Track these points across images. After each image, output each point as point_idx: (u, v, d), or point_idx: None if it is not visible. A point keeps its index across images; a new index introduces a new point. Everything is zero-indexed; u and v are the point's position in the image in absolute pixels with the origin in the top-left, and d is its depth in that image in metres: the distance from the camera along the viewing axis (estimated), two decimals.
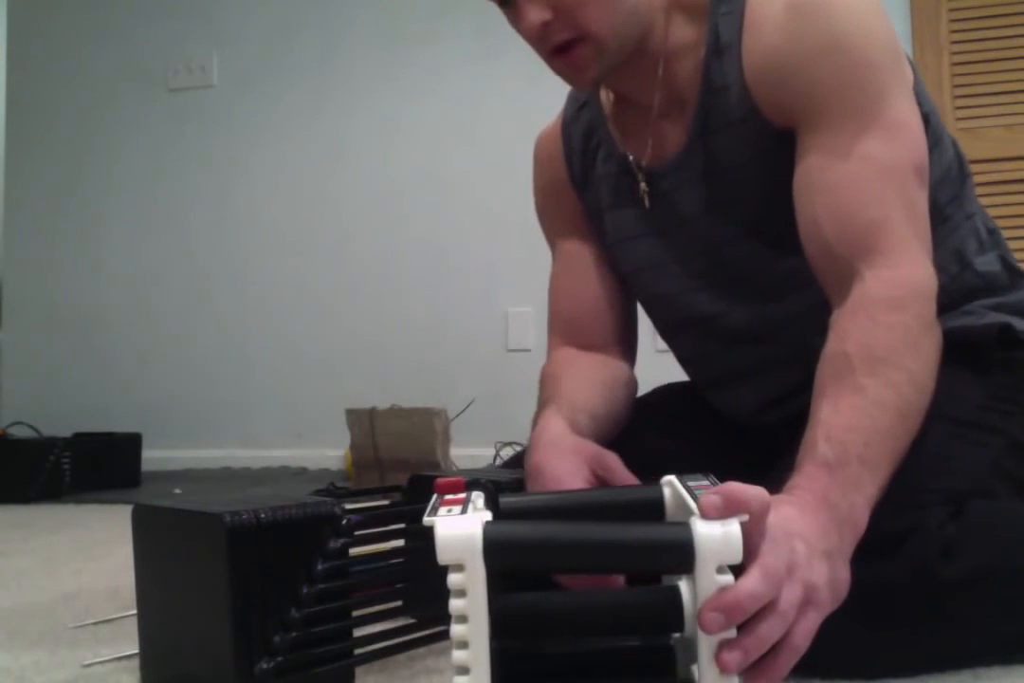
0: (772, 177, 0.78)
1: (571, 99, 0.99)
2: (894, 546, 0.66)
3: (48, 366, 2.82)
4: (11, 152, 2.84)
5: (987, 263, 0.84)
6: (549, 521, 0.57)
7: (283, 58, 2.71)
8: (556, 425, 0.78)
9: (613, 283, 0.96)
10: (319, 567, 0.66)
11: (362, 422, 2.08)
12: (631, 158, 0.88)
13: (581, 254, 0.98)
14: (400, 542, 0.77)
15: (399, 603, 0.76)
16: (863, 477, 0.63)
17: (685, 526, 0.50)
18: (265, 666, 0.62)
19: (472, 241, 2.52)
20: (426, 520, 0.52)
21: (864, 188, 0.72)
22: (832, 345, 0.69)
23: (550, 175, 0.99)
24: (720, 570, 0.49)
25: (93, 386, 2.76)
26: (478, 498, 0.57)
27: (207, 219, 2.75)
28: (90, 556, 1.31)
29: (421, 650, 0.75)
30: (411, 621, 0.75)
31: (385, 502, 0.84)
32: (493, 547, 0.49)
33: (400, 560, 0.77)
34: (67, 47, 2.88)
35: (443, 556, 0.49)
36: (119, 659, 0.78)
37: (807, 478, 0.62)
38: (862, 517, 0.61)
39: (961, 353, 0.76)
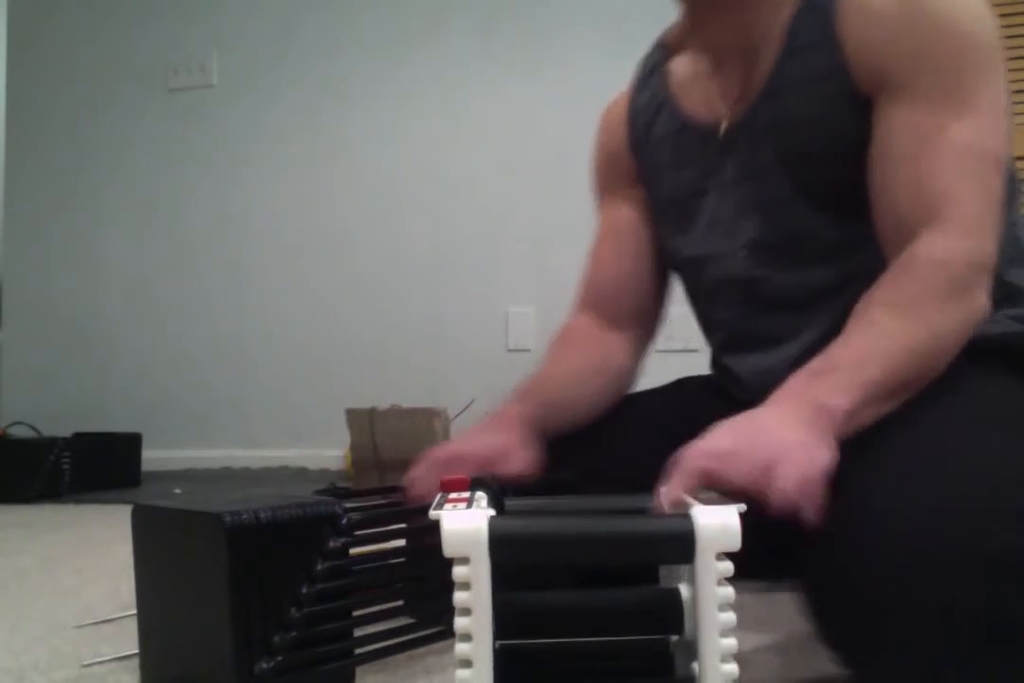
0: (840, 139, 0.78)
1: (640, 66, 0.98)
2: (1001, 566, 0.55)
3: (48, 366, 2.82)
4: (11, 152, 2.84)
5: (1019, 276, 0.83)
6: (553, 516, 0.58)
7: (283, 58, 2.71)
8: (510, 409, 0.85)
9: (653, 260, 0.97)
10: (319, 567, 0.66)
11: (362, 422, 2.08)
12: (694, 116, 0.88)
13: (628, 225, 0.98)
14: (400, 542, 0.77)
15: (399, 603, 0.76)
16: (849, 384, 0.64)
17: (686, 517, 0.51)
18: (265, 666, 0.62)
19: (472, 241, 2.52)
20: (432, 514, 0.53)
21: (946, 162, 0.72)
22: (864, 295, 0.71)
23: (612, 140, 0.99)
24: (719, 558, 0.50)
25: (93, 386, 2.76)
26: (482, 497, 0.57)
27: (207, 219, 2.75)
28: (90, 556, 1.31)
29: (421, 650, 0.75)
30: (411, 621, 0.75)
31: (385, 502, 0.84)
32: (498, 540, 0.50)
33: (400, 560, 0.77)
34: (67, 47, 2.88)
35: (449, 549, 0.50)
36: (119, 659, 0.78)
37: (784, 385, 0.65)
38: (839, 412, 0.62)
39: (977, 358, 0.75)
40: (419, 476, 0.77)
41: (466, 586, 0.50)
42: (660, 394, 0.99)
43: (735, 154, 0.85)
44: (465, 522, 0.51)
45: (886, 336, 0.67)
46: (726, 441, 0.60)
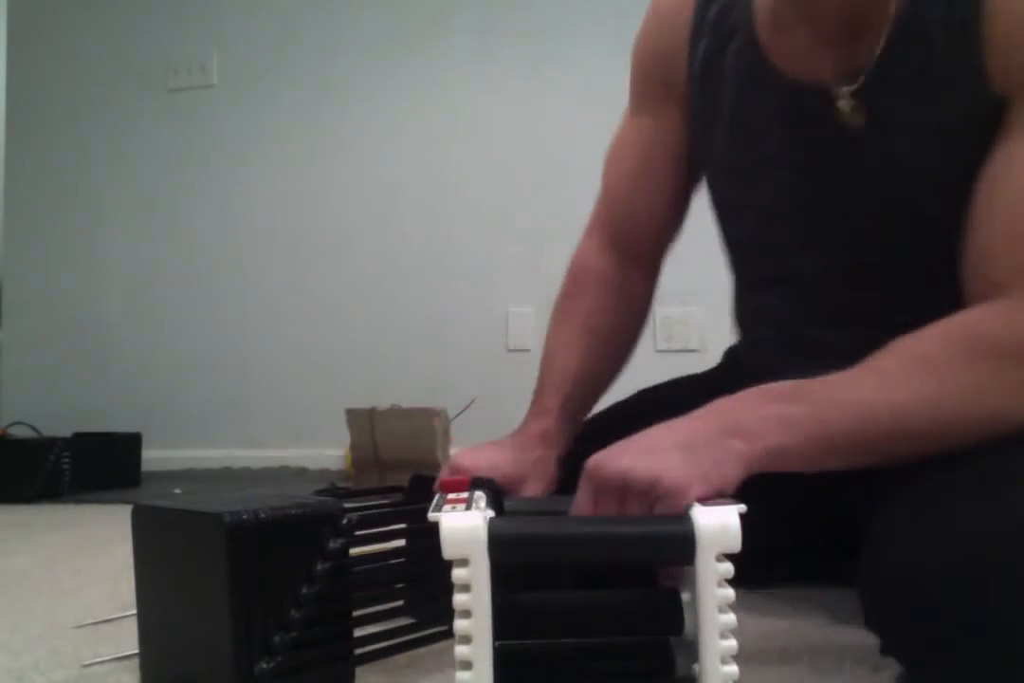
0: (948, 156, 0.67)
1: None
2: None
3: (48, 366, 2.82)
4: (11, 152, 2.84)
5: None
6: (552, 517, 0.58)
7: (283, 58, 2.71)
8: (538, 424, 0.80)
9: (681, 189, 0.88)
10: (319, 567, 0.66)
11: (362, 422, 2.08)
12: (789, 73, 0.75)
13: (662, 143, 0.87)
14: (401, 542, 0.77)
15: (399, 603, 0.76)
16: (800, 426, 0.56)
17: (686, 517, 0.51)
18: (265, 666, 0.62)
19: (472, 241, 2.52)
20: (431, 515, 0.52)
21: None
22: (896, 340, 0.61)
23: (667, 32, 0.85)
24: (719, 559, 0.50)
25: (93, 386, 2.75)
26: (481, 498, 0.57)
27: (207, 219, 2.75)
28: (90, 556, 1.31)
29: (421, 650, 0.75)
30: (411, 621, 0.75)
31: (385, 502, 0.84)
32: (498, 541, 0.50)
33: (401, 560, 0.77)
34: (67, 47, 2.88)
35: (448, 550, 0.50)
36: (119, 659, 0.78)
37: (737, 395, 0.59)
38: (763, 446, 0.55)
39: None
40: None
41: (466, 588, 0.49)
42: (682, 389, 0.93)
43: (820, 130, 0.73)
44: (464, 523, 0.50)
45: (882, 387, 0.58)
46: (616, 457, 0.56)
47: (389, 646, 0.72)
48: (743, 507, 0.51)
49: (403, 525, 0.76)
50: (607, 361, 0.89)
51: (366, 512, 0.72)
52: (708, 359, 1.00)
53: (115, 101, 2.84)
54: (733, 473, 0.55)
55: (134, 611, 0.72)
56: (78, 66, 2.87)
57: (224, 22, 2.77)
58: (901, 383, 0.58)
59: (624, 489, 0.55)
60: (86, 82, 2.87)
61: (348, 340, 2.60)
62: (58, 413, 2.59)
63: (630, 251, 0.91)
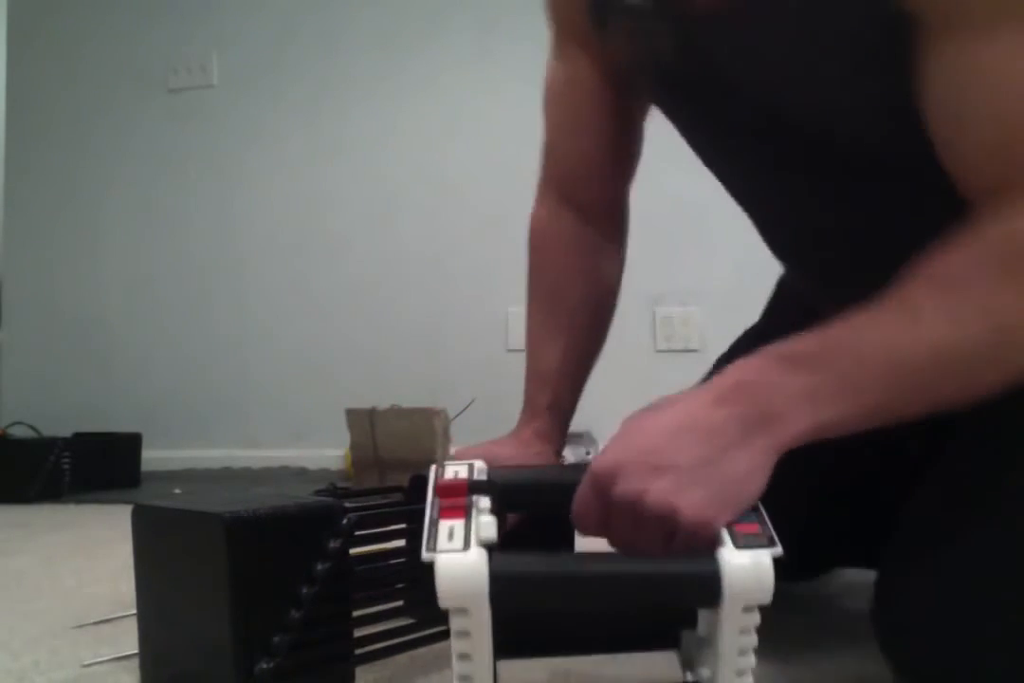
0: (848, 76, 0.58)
1: None
2: None
3: (48, 366, 2.82)
4: (11, 152, 2.84)
5: None
6: (560, 555, 0.52)
7: (283, 58, 2.71)
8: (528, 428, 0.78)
9: (623, 124, 0.80)
10: (319, 567, 0.66)
11: (362, 422, 2.08)
12: None
13: (586, 84, 0.80)
14: (400, 542, 0.77)
15: (399, 603, 0.76)
16: (830, 395, 0.49)
17: (710, 558, 0.46)
18: (265, 666, 0.62)
19: (472, 241, 2.52)
20: (425, 556, 0.47)
21: None
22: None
23: None
24: (747, 609, 0.45)
25: (93, 386, 2.75)
26: (484, 506, 0.51)
27: (207, 219, 2.75)
28: (90, 556, 1.31)
29: (421, 650, 0.75)
30: (411, 621, 0.75)
31: (385, 502, 0.84)
32: (501, 590, 0.45)
33: (401, 560, 0.77)
34: (67, 47, 2.88)
35: (445, 601, 0.45)
36: (119, 659, 0.78)
37: (741, 363, 0.51)
38: (791, 434, 0.49)
39: None
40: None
41: (465, 635, 0.46)
42: None
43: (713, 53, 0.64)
44: (463, 569, 0.45)
45: (915, 322, 0.49)
46: (627, 472, 0.49)
47: (389, 646, 0.72)
48: (779, 550, 0.46)
49: (403, 525, 0.76)
50: (590, 339, 0.84)
51: (366, 512, 0.72)
52: (708, 359, 0.99)
53: (115, 101, 2.84)
54: (760, 484, 0.49)
55: (134, 611, 0.72)
56: (78, 66, 2.87)
57: (224, 22, 2.77)
58: (937, 314, 0.49)
59: (638, 513, 0.48)
60: (86, 82, 2.86)
61: (348, 340, 2.59)
62: (58, 413, 2.59)
63: (585, 206, 0.84)
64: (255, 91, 2.73)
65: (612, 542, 0.51)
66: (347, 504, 0.71)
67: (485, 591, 0.45)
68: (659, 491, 0.47)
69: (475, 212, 2.53)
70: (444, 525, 0.48)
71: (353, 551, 0.69)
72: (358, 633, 0.70)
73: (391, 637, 0.73)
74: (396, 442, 2.04)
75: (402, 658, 0.74)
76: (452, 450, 2.01)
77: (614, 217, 0.87)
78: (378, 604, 0.74)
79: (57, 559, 1.30)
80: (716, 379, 0.52)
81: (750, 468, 0.49)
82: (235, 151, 2.73)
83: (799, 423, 0.49)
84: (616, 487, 0.49)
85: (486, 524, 0.48)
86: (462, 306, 2.52)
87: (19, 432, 2.38)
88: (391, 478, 2.00)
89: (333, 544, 0.67)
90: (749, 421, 0.49)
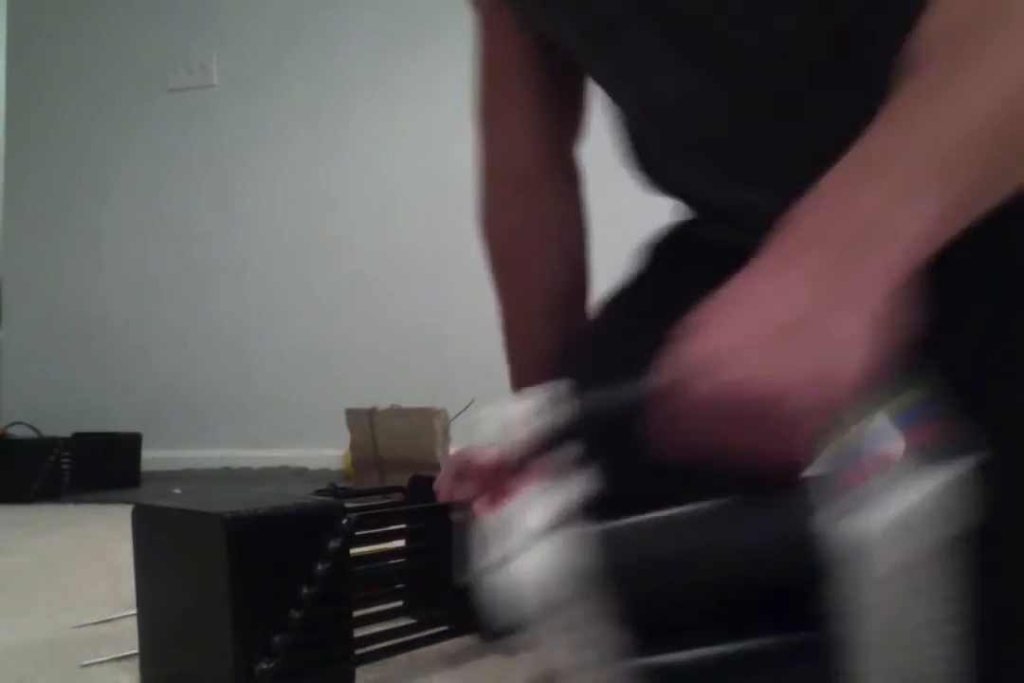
0: None
1: None
2: None
3: (48, 366, 2.82)
4: (11, 152, 2.84)
5: None
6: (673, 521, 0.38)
7: (283, 58, 2.71)
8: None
9: (553, 75, 0.71)
10: (319, 567, 0.66)
11: (362, 422, 2.08)
12: None
13: (507, 47, 0.71)
14: (400, 542, 0.77)
15: (399, 603, 0.76)
16: (937, 173, 0.38)
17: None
18: (265, 666, 0.62)
19: (472, 241, 2.49)
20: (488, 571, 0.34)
21: None
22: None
23: None
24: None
25: (93, 386, 2.75)
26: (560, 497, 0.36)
27: (207, 219, 2.75)
28: (90, 556, 1.31)
29: (421, 650, 0.75)
30: (411, 621, 0.75)
31: (385, 502, 0.84)
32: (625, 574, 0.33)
33: (401, 560, 0.77)
34: (67, 47, 2.88)
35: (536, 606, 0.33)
36: (119, 659, 0.78)
37: (813, 196, 0.40)
38: (913, 238, 0.37)
39: None
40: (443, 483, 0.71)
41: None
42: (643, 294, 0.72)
43: None
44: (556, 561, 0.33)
45: (981, 72, 0.39)
46: (725, 359, 0.36)
47: (389, 646, 0.72)
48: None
49: (403, 525, 0.76)
50: (572, 304, 0.79)
51: (366, 512, 0.72)
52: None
53: (116, 101, 2.84)
54: (889, 338, 0.36)
55: (134, 611, 0.72)
56: (78, 66, 2.87)
57: (224, 22, 2.77)
58: (984, 54, 0.40)
59: (727, 412, 0.36)
60: (87, 82, 2.87)
61: (348, 340, 2.59)
62: (58, 413, 2.59)
63: (525, 174, 0.78)
64: (255, 91, 2.73)
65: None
66: (347, 504, 0.71)
67: (597, 579, 0.34)
68: (765, 375, 0.35)
69: (475, 212, 2.53)
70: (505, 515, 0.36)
71: (353, 551, 0.70)
72: (358, 633, 0.70)
73: (391, 637, 0.73)
74: (396, 442, 2.04)
75: (402, 658, 0.74)
76: (452, 450, 2.01)
77: (556, 177, 0.78)
78: (378, 604, 0.74)
79: (57, 559, 1.30)
80: (796, 228, 0.39)
81: (858, 320, 0.36)
82: (235, 151, 2.73)
83: (904, 239, 0.37)
84: (707, 379, 0.36)
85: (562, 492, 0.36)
86: (462, 306, 2.51)
87: (19, 432, 2.38)
88: (391, 478, 2.00)
89: (333, 544, 0.67)
90: (842, 261, 0.37)
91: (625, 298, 0.73)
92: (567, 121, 0.77)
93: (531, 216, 0.80)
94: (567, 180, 0.79)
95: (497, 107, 0.76)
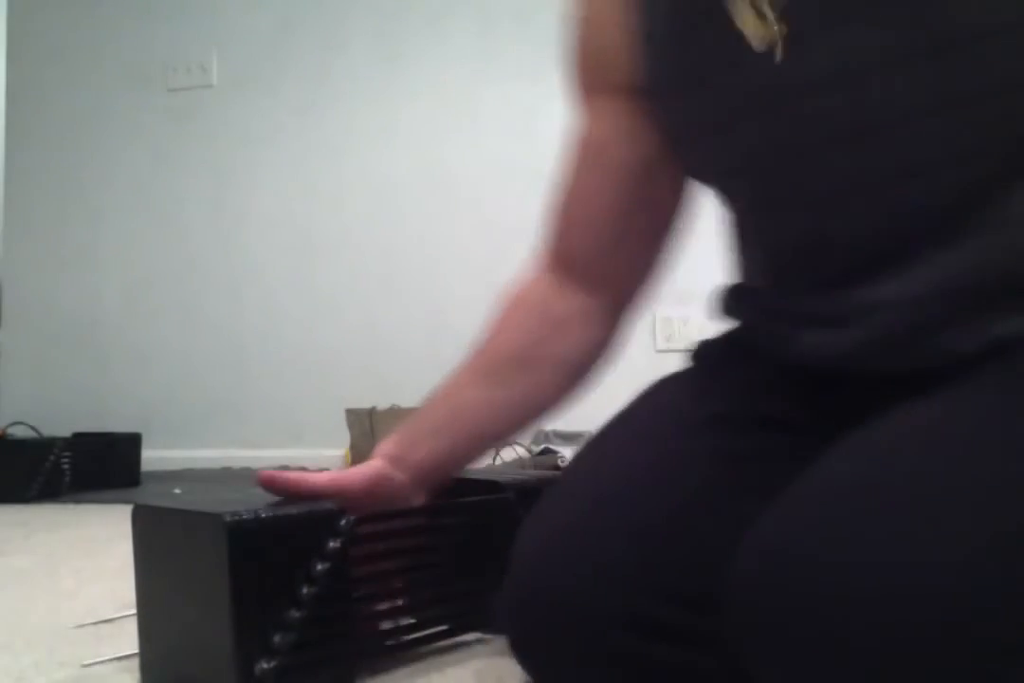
0: None
1: None
2: None
3: (48, 366, 2.82)
4: (10, 152, 2.84)
5: None
6: None
7: (283, 58, 2.71)
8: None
9: (656, 194, 0.68)
10: (319, 567, 0.66)
11: (362, 422, 2.08)
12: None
13: (619, 142, 0.66)
14: (400, 542, 0.77)
15: (399, 603, 0.76)
16: None
17: None
18: (265, 666, 0.62)
19: (472, 240, 2.52)
20: None
21: None
22: None
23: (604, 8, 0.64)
24: None
25: (93, 386, 2.75)
26: None
27: (206, 219, 2.75)
28: (90, 556, 1.31)
29: (421, 650, 0.75)
30: (412, 621, 0.75)
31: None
32: None
33: (400, 560, 0.77)
34: (66, 46, 2.88)
35: None
36: (119, 659, 0.78)
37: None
38: None
39: None
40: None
41: None
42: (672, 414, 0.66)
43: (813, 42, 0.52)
44: None
45: None
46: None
47: (389, 646, 0.72)
48: None
49: (403, 525, 0.76)
50: (514, 405, 0.79)
51: (366, 512, 0.72)
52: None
53: (115, 101, 2.84)
54: None
55: (134, 611, 0.72)
56: (78, 66, 2.87)
57: (224, 22, 2.77)
58: None
59: None
60: (86, 82, 2.86)
61: (348, 340, 2.59)
62: (58, 413, 2.59)
63: (586, 286, 0.74)
64: (255, 91, 2.73)
65: None
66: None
67: None
68: None
69: (475, 211, 2.53)
70: None
71: (353, 551, 0.69)
72: (358, 633, 0.70)
73: (391, 637, 0.73)
74: None
75: (402, 658, 0.74)
76: None
77: (627, 286, 0.74)
78: (378, 604, 0.74)
79: (57, 559, 1.30)
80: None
81: None
82: (234, 151, 2.73)
83: None
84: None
85: None
86: (463, 306, 2.51)
87: (19, 432, 2.37)
88: None
89: (333, 544, 0.67)
90: None
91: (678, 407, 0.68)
92: (660, 231, 0.74)
93: (553, 311, 0.76)
94: (628, 295, 0.75)
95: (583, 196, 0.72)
